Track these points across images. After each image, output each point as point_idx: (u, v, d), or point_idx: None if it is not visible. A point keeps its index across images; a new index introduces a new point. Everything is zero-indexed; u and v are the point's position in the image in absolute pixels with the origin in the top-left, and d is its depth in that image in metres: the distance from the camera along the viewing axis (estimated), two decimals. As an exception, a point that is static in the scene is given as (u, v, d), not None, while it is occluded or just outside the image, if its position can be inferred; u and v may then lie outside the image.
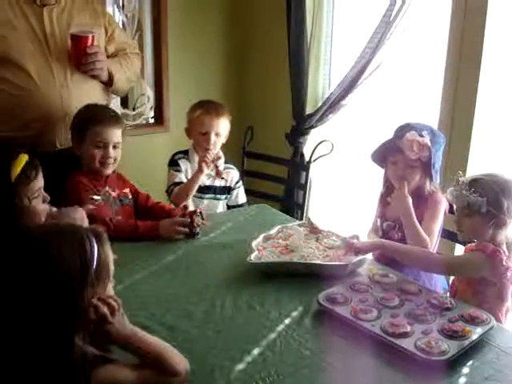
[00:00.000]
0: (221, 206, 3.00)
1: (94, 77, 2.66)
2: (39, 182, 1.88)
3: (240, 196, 3.06)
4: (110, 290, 1.44)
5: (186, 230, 2.41)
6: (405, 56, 3.11)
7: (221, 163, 2.89)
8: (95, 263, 1.34)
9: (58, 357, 1.30)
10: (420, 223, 2.36)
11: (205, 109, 2.86)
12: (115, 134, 2.49)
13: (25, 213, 1.84)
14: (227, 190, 3.00)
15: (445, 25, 2.81)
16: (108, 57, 2.73)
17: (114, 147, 2.49)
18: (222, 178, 2.92)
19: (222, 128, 2.88)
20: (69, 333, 1.31)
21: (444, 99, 2.87)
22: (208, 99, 2.99)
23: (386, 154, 2.44)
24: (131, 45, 2.97)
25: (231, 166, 3.02)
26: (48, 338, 1.30)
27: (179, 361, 1.42)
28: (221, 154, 2.91)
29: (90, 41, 2.56)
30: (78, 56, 2.57)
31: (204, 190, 2.89)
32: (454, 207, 2.14)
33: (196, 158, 2.88)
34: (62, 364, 1.30)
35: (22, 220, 1.81)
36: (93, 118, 2.49)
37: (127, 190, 2.62)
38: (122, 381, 1.37)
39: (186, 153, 2.95)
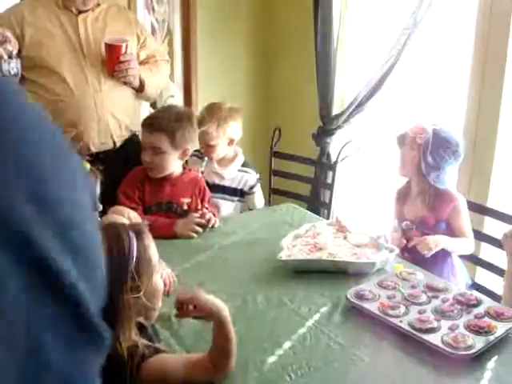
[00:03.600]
0: (232, 208, 2.92)
1: (126, 83, 2.73)
2: (96, 191, 1.98)
3: (257, 201, 2.99)
4: (158, 281, 1.52)
5: (200, 229, 2.47)
6: (431, 57, 3.14)
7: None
8: (135, 258, 1.41)
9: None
10: (446, 220, 2.44)
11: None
12: (153, 139, 2.50)
13: None
14: (239, 193, 2.93)
15: (470, 26, 2.84)
16: (139, 63, 2.79)
17: (154, 153, 2.50)
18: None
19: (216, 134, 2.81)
20: (112, 327, 1.38)
21: (469, 101, 2.90)
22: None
23: (402, 138, 2.58)
24: (162, 52, 3.05)
25: (248, 170, 2.95)
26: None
27: (234, 360, 1.50)
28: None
29: (123, 49, 2.63)
30: (112, 64, 2.64)
31: (212, 188, 2.80)
32: None
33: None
34: (107, 358, 1.37)
35: None
36: (143, 121, 2.60)
37: (186, 200, 2.59)
38: (170, 371, 1.44)
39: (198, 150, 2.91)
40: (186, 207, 2.58)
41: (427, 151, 2.44)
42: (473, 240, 2.53)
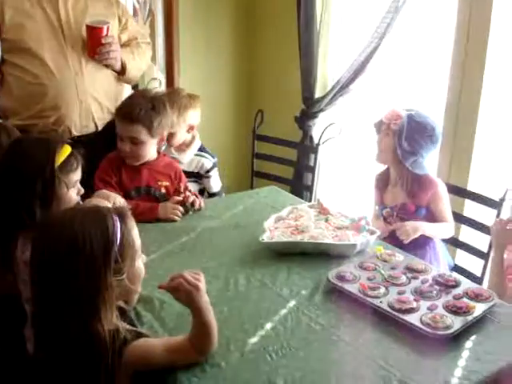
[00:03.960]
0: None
1: (107, 66, 2.71)
2: (78, 174, 1.99)
3: (214, 185, 3.05)
4: (140, 265, 1.53)
5: (181, 209, 2.49)
6: (414, 41, 3.15)
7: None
8: (118, 240, 1.42)
9: (85, 332, 1.38)
10: (426, 206, 2.46)
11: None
12: (129, 130, 2.47)
13: (61, 200, 1.92)
14: (194, 175, 2.99)
15: (453, 9, 2.85)
16: (121, 46, 2.77)
17: (133, 142, 2.48)
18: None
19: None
20: (95, 308, 1.39)
21: (451, 84, 2.91)
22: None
23: (379, 124, 2.59)
24: (143, 34, 3.02)
25: (204, 155, 3.02)
26: (74, 314, 1.39)
27: (215, 342, 1.52)
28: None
29: (105, 31, 2.61)
30: (93, 46, 2.62)
31: None
32: None
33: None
34: (90, 339, 1.38)
35: (55, 206, 1.90)
36: (118, 110, 2.57)
37: (164, 184, 2.60)
38: (152, 355, 1.46)
39: None
40: (164, 191, 2.59)
41: (402, 137, 2.44)
42: (453, 224, 2.55)
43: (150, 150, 2.55)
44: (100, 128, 2.76)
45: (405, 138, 2.44)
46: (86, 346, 1.38)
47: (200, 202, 2.57)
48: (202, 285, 1.49)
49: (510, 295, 2.10)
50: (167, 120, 2.57)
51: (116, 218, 1.44)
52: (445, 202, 2.53)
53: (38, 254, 1.43)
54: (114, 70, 2.77)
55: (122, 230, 1.44)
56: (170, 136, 2.85)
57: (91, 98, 2.70)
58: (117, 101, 2.78)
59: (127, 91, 2.94)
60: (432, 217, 2.52)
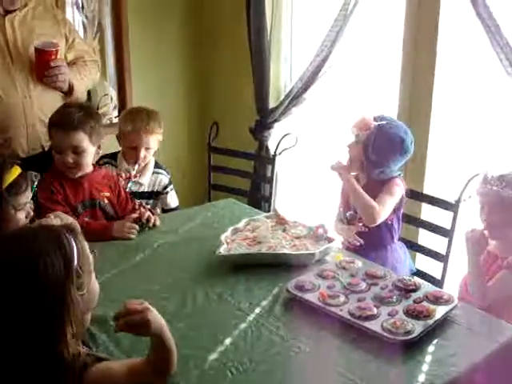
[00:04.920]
0: None
1: (55, 88, 2.68)
2: (27, 196, 1.95)
3: (172, 200, 3.02)
4: (94, 278, 1.48)
5: (136, 227, 2.44)
6: (363, 49, 3.16)
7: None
8: (76, 256, 1.38)
9: (49, 355, 1.33)
10: None
11: (134, 125, 2.82)
12: (70, 138, 2.39)
13: (8, 222, 1.86)
14: (154, 195, 2.96)
15: (400, 16, 2.88)
16: (67, 65, 2.73)
17: (75, 152, 2.40)
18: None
19: (152, 143, 2.87)
20: (59, 330, 1.33)
21: (402, 89, 2.94)
22: (139, 109, 2.97)
23: None
24: (89, 52, 2.99)
25: (160, 171, 2.98)
26: (39, 338, 1.33)
27: (175, 363, 1.48)
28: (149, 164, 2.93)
29: (54, 54, 2.57)
30: (42, 69, 2.59)
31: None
32: (480, 205, 2.18)
33: (124, 165, 2.88)
34: (53, 362, 1.33)
35: (3, 228, 1.83)
36: (53, 122, 2.46)
37: (106, 195, 2.55)
38: (113, 379, 1.41)
39: (113, 157, 2.91)
40: (106, 201, 2.55)
41: (369, 148, 2.39)
42: (378, 212, 2.38)
43: (90, 160, 2.49)
44: (46, 149, 2.69)
45: (372, 149, 2.38)
46: (48, 372, 1.32)
47: (155, 218, 2.53)
48: (149, 309, 1.43)
49: (490, 297, 2.11)
50: (101, 128, 2.52)
51: (69, 234, 1.40)
52: (387, 196, 2.42)
53: None
54: (61, 91, 2.73)
55: (77, 245, 1.40)
56: (143, 160, 2.88)
57: (39, 121, 2.65)
58: None
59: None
60: None
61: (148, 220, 2.49)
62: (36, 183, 2.13)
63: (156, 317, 1.42)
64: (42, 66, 2.59)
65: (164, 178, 2.98)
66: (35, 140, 2.66)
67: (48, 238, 1.39)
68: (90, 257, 1.46)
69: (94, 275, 1.49)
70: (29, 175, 1.99)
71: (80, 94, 2.84)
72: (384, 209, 2.40)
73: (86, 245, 1.46)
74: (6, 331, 1.32)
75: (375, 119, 2.42)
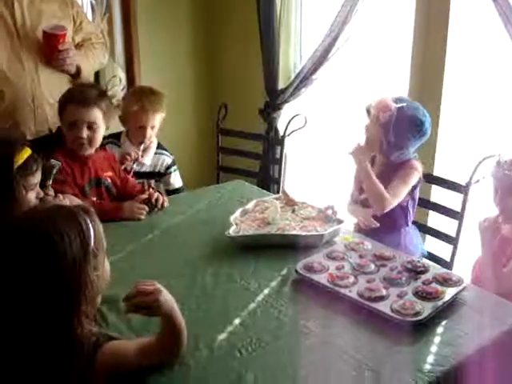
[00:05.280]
0: None
1: (63, 71, 2.68)
2: (37, 177, 1.96)
3: (176, 181, 3.04)
4: (106, 261, 1.49)
5: (146, 207, 2.45)
6: (373, 29, 3.14)
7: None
8: (92, 237, 1.39)
9: (64, 335, 1.34)
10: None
11: (141, 105, 2.85)
12: (88, 114, 2.42)
13: (19, 202, 1.87)
14: (156, 175, 2.99)
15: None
16: (75, 47, 2.73)
17: (90, 128, 2.43)
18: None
19: (157, 121, 2.91)
20: (75, 310, 1.35)
21: (413, 71, 2.91)
22: (144, 88, 3.00)
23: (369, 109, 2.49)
24: (97, 34, 2.98)
25: (163, 152, 3.01)
26: (54, 318, 1.34)
27: (185, 342, 1.49)
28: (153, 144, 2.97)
29: (62, 38, 2.58)
30: (50, 52, 2.60)
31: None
32: (493, 188, 2.17)
33: (127, 146, 2.90)
34: (67, 341, 1.34)
35: (13, 209, 1.84)
36: (67, 98, 2.48)
37: (108, 174, 2.58)
38: (124, 357, 1.42)
39: (116, 137, 2.95)
40: (109, 180, 2.58)
41: (390, 130, 2.36)
42: (389, 201, 2.38)
43: (101, 138, 2.52)
44: (53, 131, 2.70)
45: (392, 131, 2.36)
46: (61, 350, 1.34)
47: (164, 199, 2.53)
48: (160, 290, 1.44)
49: (506, 283, 2.10)
50: (113, 108, 2.59)
51: (86, 216, 1.41)
52: (401, 185, 2.41)
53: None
54: (68, 74, 2.74)
55: (94, 226, 1.41)
56: (148, 139, 2.91)
57: (47, 103, 2.66)
58: None
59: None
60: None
61: (157, 201, 2.50)
62: (55, 171, 2.16)
63: (166, 298, 1.43)
64: (50, 50, 2.60)
65: (167, 159, 3.00)
66: (42, 123, 2.67)
67: (65, 218, 1.40)
68: (104, 239, 1.47)
69: (106, 257, 1.51)
70: (37, 156, 1.99)
71: (87, 75, 2.83)
72: (395, 198, 2.40)
73: (100, 226, 1.47)
74: (23, 310, 1.34)
75: (394, 101, 2.39)
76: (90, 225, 1.40)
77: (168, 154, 3.02)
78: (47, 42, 2.59)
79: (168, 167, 3.00)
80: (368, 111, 2.48)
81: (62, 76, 2.72)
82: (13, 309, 1.35)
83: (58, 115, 2.51)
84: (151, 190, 2.57)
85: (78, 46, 2.78)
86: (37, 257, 1.33)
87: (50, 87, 2.65)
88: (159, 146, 3.01)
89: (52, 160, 2.20)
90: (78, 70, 2.74)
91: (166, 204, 2.53)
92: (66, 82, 2.75)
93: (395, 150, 2.41)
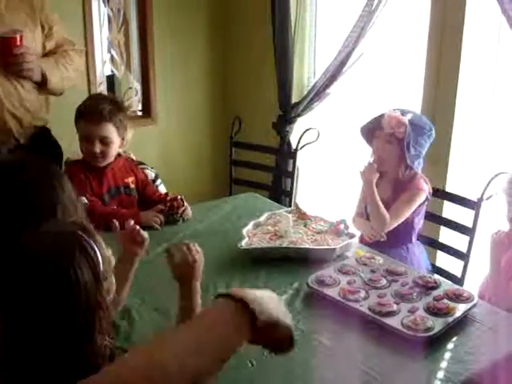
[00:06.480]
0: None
1: (25, 78, 2.53)
2: None
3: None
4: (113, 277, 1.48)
5: (162, 218, 2.47)
6: (387, 44, 3.16)
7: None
8: (100, 260, 1.34)
9: (78, 360, 1.31)
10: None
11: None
12: (100, 129, 2.44)
13: None
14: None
15: (425, 13, 2.86)
16: (46, 54, 2.63)
17: (102, 142, 2.45)
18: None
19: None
20: (91, 330, 1.32)
21: (426, 86, 2.93)
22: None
23: (372, 130, 2.52)
24: (71, 41, 2.80)
25: (145, 166, 2.99)
26: (69, 346, 1.32)
27: None
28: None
29: (17, 41, 2.44)
30: (5, 57, 2.45)
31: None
32: (507, 205, 2.22)
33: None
34: (81, 365, 1.32)
35: None
36: (81, 112, 2.49)
37: (130, 180, 2.60)
38: None
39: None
40: (133, 185, 2.60)
41: (410, 143, 2.40)
42: (388, 224, 2.45)
43: (116, 151, 2.54)
44: (22, 142, 2.62)
45: (412, 142, 2.41)
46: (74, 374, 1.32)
47: (188, 211, 2.55)
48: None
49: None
50: (127, 121, 2.56)
51: (89, 239, 1.35)
52: (405, 206, 2.46)
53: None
54: (34, 82, 2.58)
55: (98, 247, 1.36)
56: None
57: (8, 114, 2.54)
58: (41, 113, 2.68)
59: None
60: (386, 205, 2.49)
61: (184, 211, 2.52)
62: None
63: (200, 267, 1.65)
64: (4, 55, 2.44)
65: (149, 173, 2.98)
66: (6, 134, 2.57)
67: (73, 246, 1.34)
68: (110, 256, 1.44)
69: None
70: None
71: (56, 84, 2.64)
72: (396, 220, 2.46)
73: (102, 243, 1.42)
74: (36, 344, 1.31)
75: (401, 114, 2.44)
76: (96, 248, 1.32)
77: (149, 168, 3.02)
78: (1, 48, 2.43)
79: (153, 181, 2.97)
80: (369, 133, 2.53)
81: (25, 84, 2.55)
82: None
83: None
84: (175, 202, 2.54)
85: (49, 53, 2.65)
86: (50, 290, 1.29)
87: (11, 97, 2.52)
88: (140, 163, 2.95)
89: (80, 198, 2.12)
90: (44, 78, 2.57)
91: (188, 216, 2.55)
92: (31, 91, 2.59)
93: (416, 159, 2.46)
